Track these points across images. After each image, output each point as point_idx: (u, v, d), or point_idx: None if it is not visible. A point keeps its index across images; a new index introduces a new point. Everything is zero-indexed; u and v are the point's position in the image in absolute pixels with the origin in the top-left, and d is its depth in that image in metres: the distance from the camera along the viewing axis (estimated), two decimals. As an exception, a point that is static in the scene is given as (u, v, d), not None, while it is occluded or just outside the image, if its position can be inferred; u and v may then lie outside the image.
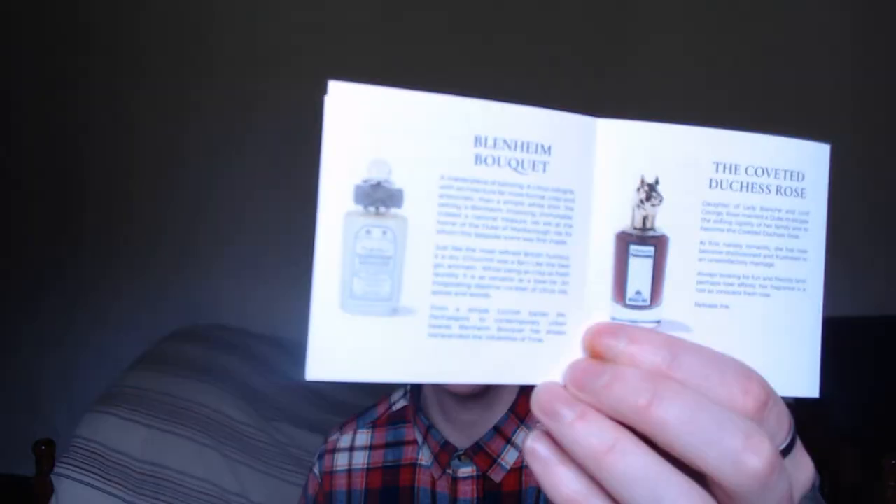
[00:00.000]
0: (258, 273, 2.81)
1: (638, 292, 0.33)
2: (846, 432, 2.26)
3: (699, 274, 0.34)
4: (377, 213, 0.30)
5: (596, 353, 0.32)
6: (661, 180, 0.33)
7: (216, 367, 2.27)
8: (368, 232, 0.30)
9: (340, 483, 0.92)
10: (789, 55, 2.53)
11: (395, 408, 0.96)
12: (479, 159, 0.31)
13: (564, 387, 0.31)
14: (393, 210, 0.30)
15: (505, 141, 0.32)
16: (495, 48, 2.57)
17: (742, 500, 0.29)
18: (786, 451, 0.31)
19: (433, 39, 2.61)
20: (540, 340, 0.32)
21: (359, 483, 0.92)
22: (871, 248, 2.63)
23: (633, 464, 0.28)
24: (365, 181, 0.30)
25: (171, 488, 1.94)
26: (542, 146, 0.32)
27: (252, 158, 2.77)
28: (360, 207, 0.30)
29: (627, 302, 0.33)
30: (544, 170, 0.32)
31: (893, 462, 1.52)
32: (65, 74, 2.85)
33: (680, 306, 0.34)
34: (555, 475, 0.31)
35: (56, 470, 1.89)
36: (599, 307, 0.33)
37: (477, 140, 0.31)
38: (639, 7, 2.58)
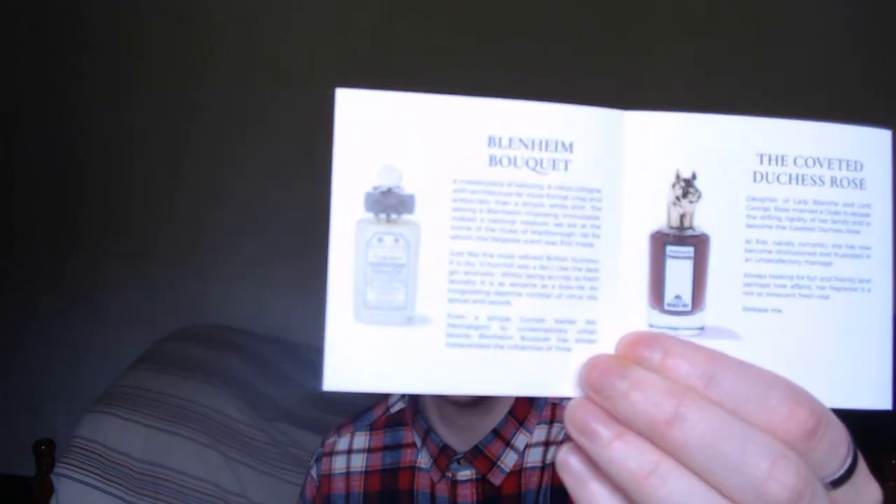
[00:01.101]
0: (258, 273, 2.81)
1: (677, 297, 0.31)
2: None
3: (746, 275, 0.31)
4: (388, 221, 0.30)
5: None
6: (698, 175, 0.31)
7: (216, 366, 2.27)
8: (380, 240, 0.30)
9: (339, 486, 0.92)
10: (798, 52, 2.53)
11: (392, 410, 0.95)
12: (493, 160, 0.30)
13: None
14: (405, 216, 0.30)
15: (521, 140, 0.31)
16: (499, 49, 2.57)
17: None
18: (843, 479, 0.29)
19: (435, 41, 2.61)
20: (568, 350, 0.31)
21: (357, 486, 0.91)
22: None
23: (674, 491, 0.27)
24: (375, 188, 0.30)
25: (171, 488, 1.94)
26: (563, 143, 0.31)
27: (254, 158, 2.77)
28: (370, 215, 0.30)
29: (666, 307, 0.31)
30: (566, 168, 0.31)
31: (893, 462, 1.52)
32: (65, 74, 2.85)
33: (726, 311, 0.31)
34: (588, 491, 0.29)
35: (56, 470, 1.89)
36: (635, 313, 0.31)
37: (491, 140, 0.30)
38: (645, 11, 2.58)
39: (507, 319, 0.30)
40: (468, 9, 2.62)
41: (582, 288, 0.31)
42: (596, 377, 0.28)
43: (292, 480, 1.97)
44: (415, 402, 0.91)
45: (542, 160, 0.31)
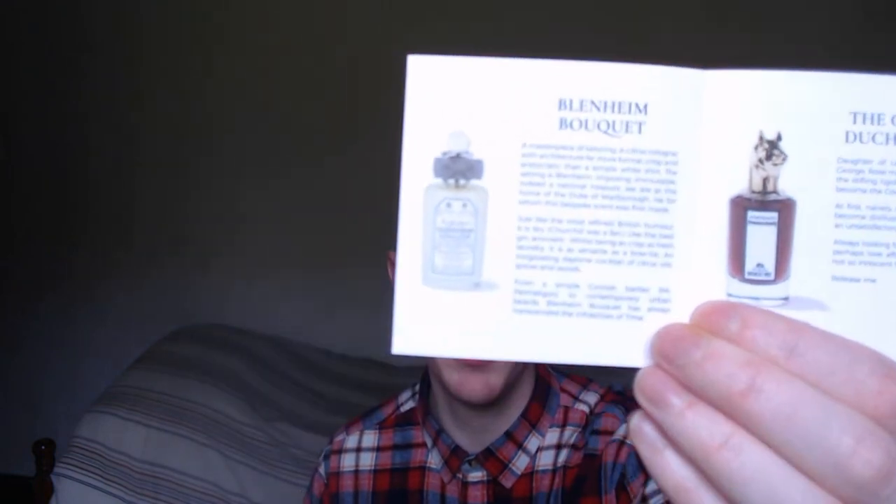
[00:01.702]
0: (258, 273, 2.81)
1: (759, 265, 0.30)
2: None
3: (836, 242, 0.29)
4: (457, 186, 0.30)
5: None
6: (783, 136, 0.29)
7: (216, 367, 2.27)
8: (448, 205, 0.30)
9: (347, 484, 0.92)
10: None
11: (402, 409, 0.95)
12: (563, 123, 0.30)
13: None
14: (473, 182, 0.30)
15: (593, 102, 0.30)
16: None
17: None
18: None
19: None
20: (640, 318, 0.30)
21: (366, 485, 0.91)
22: None
23: (747, 463, 0.25)
24: (444, 153, 0.30)
25: (171, 488, 1.95)
26: (637, 105, 0.30)
27: (253, 158, 2.77)
28: (439, 180, 0.30)
29: (747, 276, 0.30)
30: (640, 131, 0.30)
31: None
32: (65, 74, 2.85)
33: (813, 280, 0.29)
34: (662, 459, 0.28)
35: (56, 470, 1.89)
36: (712, 282, 0.30)
37: (561, 103, 0.30)
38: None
39: (576, 286, 0.30)
40: None
41: (655, 255, 0.30)
42: (669, 345, 0.27)
43: (292, 480, 1.97)
44: (426, 402, 0.91)
45: (614, 122, 0.30)
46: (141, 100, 2.81)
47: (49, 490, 1.88)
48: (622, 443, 0.81)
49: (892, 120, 0.29)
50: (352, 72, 2.65)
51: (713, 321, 0.27)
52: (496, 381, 0.79)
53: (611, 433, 0.83)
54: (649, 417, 0.28)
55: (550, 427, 0.86)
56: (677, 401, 0.27)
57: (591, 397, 0.87)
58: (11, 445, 2.79)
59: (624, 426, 0.82)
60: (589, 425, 0.85)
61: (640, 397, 0.28)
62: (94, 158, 2.88)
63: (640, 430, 0.28)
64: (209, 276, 2.84)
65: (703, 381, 0.26)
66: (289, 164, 2.74)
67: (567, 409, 0.87)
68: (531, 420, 0.85)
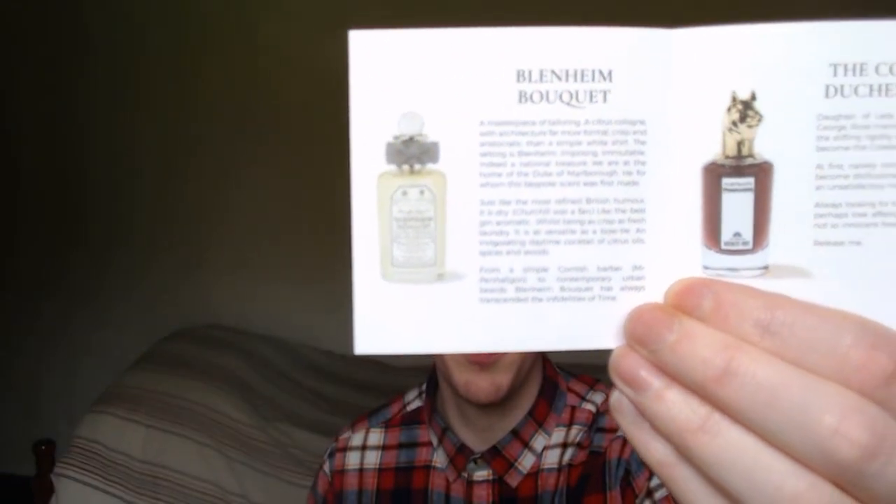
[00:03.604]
0: (258, 272, 2.81)
1: (737, 234, 0.28)
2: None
3: (818, 205, 0.27)
4: (412, 172, 0.28)
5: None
6: (758, 95, 0.27)
7: (216, 367, 2.27)
8: (405, 193, 0.28)
9: (351, 482, 0.91)
10: None
11: (409, 408, 0.94)
12: (523, 97, 0.28)
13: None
14: (429, 166, 0.28)
15: (553, 72, 0.27)
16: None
17: (850, 486, 0.24)
18: None
19: None
20: (613, 299, 0.28)
21: (370, 483, 0.91)
22: None
23: (725, 445, 0.25)
24: (396, 137, 0.28)
25: (171, 488, 1.94)
26: (601, 72, 0.27)
27: (252, 157, 2.77)
28: (393, 167, 0.28)
29: (723, 246, 0.28)
30: (605, 100, 0.28)
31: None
32: (65, 74, 2.85)
33: (794, 247, 0.28)
34: (643, 435, 0.27)
35: (56, 470, 1.89)
36: (687, 256, 0.28)
37: (520, 75, 0.27)
38: None
39: (545, 270, 0.28)
40: None
41: (627, 231, 0.28)
42: (641, 330, 0.26)
43: (292, 480, 1.97)
44: (432, 401, 0.91)
45: (577, 92, 0.28)
46: (141, 101, 2.81)
47: (49, 490, 1.88)
48: (626, 439, 0.81)
49: (877, 69, 0.27)
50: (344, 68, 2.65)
51: (686, 300, 0.26)
52: (503, 380, 0.79)
53: (615, 430, 0.83)
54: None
55: (557, 426, 0.86)
56: (653, 383, 0.26)
57: (598, 397, 0.87)
58: (11, 445, 2.79)
59: None
60: (594, 424, 0.85)
61: (615, 379, 0.27)
62: (94, 159, 2.88)
63: (620, 404, 0.27)
64: (209, 276, 2.84)
65: (678, 365, 0.25)
66: (290, 164, 2.74)
67: (573, 409, 0.87)
68: (538, 419, 0.85)
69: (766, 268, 0.28)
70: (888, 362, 0.24)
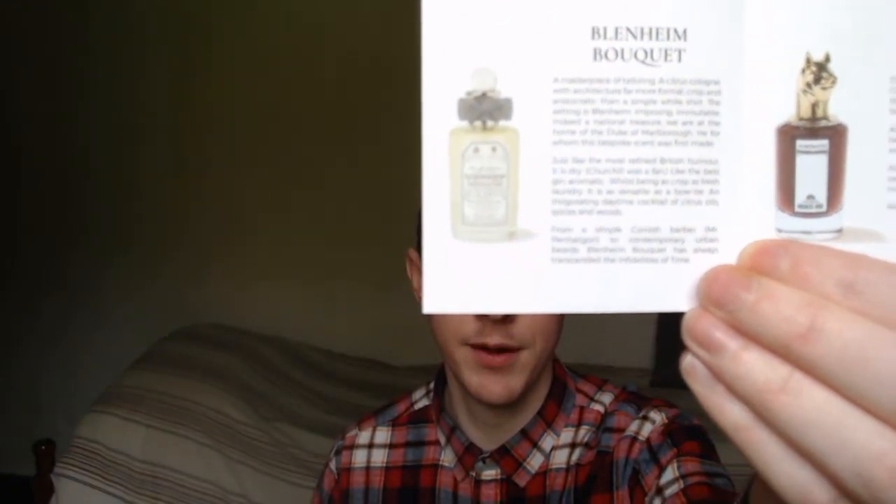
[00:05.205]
0: (258, 272, 2.81)
1: (810, 196, 0.28)
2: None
3: (892, 168, 0.27)
4: (484, 128, 0.27)
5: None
6: (832, 57, 0.27)
7: (216, 367, 2.27)
8: (476, 150, 0.27)
9: (358, 480, 0.91)
10: None
11: (416, 407, 0.94)
12: (598, 54, 0.27)
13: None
14: (502, 123, 0.27)
15: (629, 29, 0.27)
16: None
17: None
18: None
19: None
20: (686, 261, 0.28)
21: (377, 481, 0.90)
22: None
23: (807, 406, 0.24)
24: (468, 93, 0.27)
25: (171, 488, 1.95)
26: (676, 31, 0.27)
27: (252, 157, 2.77)
28: (465, 123, 0.27)
29: (797, 209, 0.28)
30: (679, 59, 0.27)
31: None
32: (65, 73, 2.85)
33: (868, 210, 0.27)
34: (717, 398, 0.26)
35: (56, 470, 1.89)
36: (761, 218, 0.28)
37: (594, 32, 0.27)
38: None
39: (618, 230, 0.28)
40: None
41: (700, 192, 0.28)
42: (717, 290, 0.26)
43: (292, 480, 1.97)
44: (440, 400, 0.91)
45: (652, 51, 0.27)
46: (141, 100, 2.81)
47: (49, 490, 1.88)
48: (634, 439, 0.81)
49: None
50: (355, 71, 2.65)
51: (763, 261, 0.26)
52: (517, 383, 0.78)
53: (623, 430, 0.83)
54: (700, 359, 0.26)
55: (565, 426, 0.86)
56: (730, 343, 0.25)
57: (607, 398, 0.87)
58: (11, 445, 2.79)
59: (636, 423, 0.82)
60: (602, 424, 0.85)
61: (689, 342, 0.26)
62: (95, 159, 2.88)
63: (693, 368, 0.27)
64: (209, 276, 2.84)
65: (758, 325, 0.25)
66: (290, 164, 2.74)
67: (582, 409, 0.86)
68: (547, 419, 0.85)
69: (840, 231, 0.28)
70: None
